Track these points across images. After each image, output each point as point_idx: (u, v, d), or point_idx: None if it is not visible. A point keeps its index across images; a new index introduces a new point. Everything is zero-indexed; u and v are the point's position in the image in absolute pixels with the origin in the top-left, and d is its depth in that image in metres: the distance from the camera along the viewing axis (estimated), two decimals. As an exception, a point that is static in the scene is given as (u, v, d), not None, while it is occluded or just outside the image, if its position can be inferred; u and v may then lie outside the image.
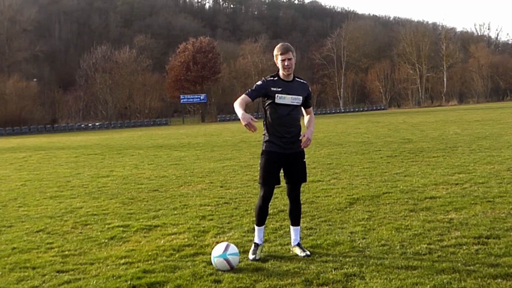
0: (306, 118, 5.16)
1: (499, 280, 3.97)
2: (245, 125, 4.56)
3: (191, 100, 68.35)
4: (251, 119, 4.56)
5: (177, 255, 5.09)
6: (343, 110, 76.30)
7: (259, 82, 4.91)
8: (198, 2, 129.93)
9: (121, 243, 5.71)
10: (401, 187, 8.11)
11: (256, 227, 5.03)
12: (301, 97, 4.91)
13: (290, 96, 4.84)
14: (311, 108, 5.17)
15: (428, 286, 3.91)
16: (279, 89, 4.83)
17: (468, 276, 4.07)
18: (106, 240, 5.83)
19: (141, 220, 6.80)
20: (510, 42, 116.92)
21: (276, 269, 4.51)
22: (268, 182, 4.91)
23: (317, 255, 4.82)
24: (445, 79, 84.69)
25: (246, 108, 4.75)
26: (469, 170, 9.49)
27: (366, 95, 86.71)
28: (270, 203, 5.13)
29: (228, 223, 6.39)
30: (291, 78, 4.93)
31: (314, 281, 4.15)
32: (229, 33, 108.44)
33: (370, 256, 4.70)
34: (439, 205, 6.62)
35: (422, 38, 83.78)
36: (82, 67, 70.81)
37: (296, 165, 4.96)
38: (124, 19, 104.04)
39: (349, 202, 7.20)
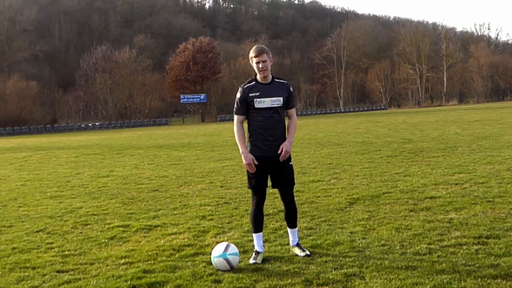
0: (288, 122, 5.03)
1: (499, 280, 3.97)
2: (246, 165, 4.72)
3: (191, 100, 68.35)
4: (253, 159, 4.70)
5: (177, 255, 5.09)
6: (343, 110, 76.29)
7: (238, 95, 4.86)
8: (198, 2, 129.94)
9: (121, 243, 5.72)
10: (401, 187, 8.11)
11: (253, 235, 4.97)
12: (281, 98, 4.83)
13: (269, 98, 4.78)
14: (294, 109, 5.04)
15: (428, 286, 3.92)
16: (257, 94, 4.78)
17: (468, 276, 4.07)
18: (106, 240, 5.83)
19: (141, 220, 6.80)
20: (510, 42, 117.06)
21: (276, 269, 4.51)
22: (257, 187, 4.87)
23: (317, 255, 4.82)
24: (445, 79, 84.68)
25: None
26: (469, 170, 9.49)
27: (366, 95, 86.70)
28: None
29: (228, 223, 6.39)
30: (269, 80, 4.86)
31: (314, 281, 4.15)
32: (229, 33, 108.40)
33: (370, 256, 4.70)
34: (439, 205, 6.62)
35: (422, 38, 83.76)
36: (82, 67, 70.80)
37: (282, 168, 4.88)
38: (124, 19, 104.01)
39: (349, 202, 7.20)
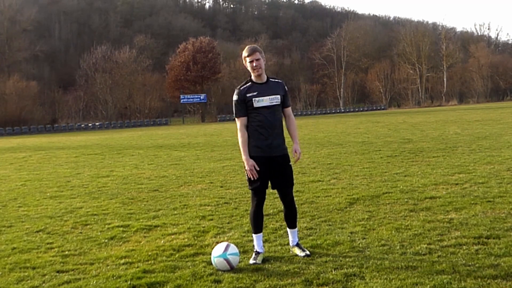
0: (286, 123, 5.04)
1: (499, 280, 3.97)
2: (248, 170, 4.76)
3: (191, 100, 68.36)
4: (254, 166, 4.73)
5: (177, 255, 5.09)
6: (343, 110, 76.29)
7: (234, 97, 4.88)
8: (198, 2, 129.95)
9: (121, 243, 5.72)
10: (401, 187, 8.11)
11: (253, 235, 4.96)
12: (279, 96, 4.85)
13: (267, 97, 4.80)
14: (290, 108, 5.05)
15: (428, 286, 3.92)
16: (255, 93, 4.80)
17: (468, 276, 4.07)
18: (106, 240, 5.83)
19: (141, 220, 6.80)
20: (510, 42, 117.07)
21: (276, 269, 4.51)
22: (256, 187, 4.87)
23: (317, 255, 4.82)
24: (445, 79, 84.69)
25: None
26: (469, 170, 9.49)
27: (366, 95, 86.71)
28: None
29: (228, 223, 6.39)
30: (264, 79, 4.88)
31: (314, 281, 4.15)
32: (229, 33, 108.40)
33: (370, 256, 4.70)
34: (439, 205, 6.62)
35: (422, 38, 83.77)
36: (82, 67, 70.81)
37: (282, 168, 4.89)
38: (124, 19, 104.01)
39: (349, 202, 7.20)
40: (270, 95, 4.81)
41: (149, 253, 5.18)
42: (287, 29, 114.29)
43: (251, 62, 4.79)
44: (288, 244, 5.19)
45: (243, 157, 4.82)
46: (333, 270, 4.36)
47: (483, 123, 23.58)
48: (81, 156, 18.08)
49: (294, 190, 5.17)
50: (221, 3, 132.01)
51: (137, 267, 4.77)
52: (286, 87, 5.02)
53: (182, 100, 67.12)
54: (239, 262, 4.68)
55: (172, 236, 5.85)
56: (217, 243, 5.07)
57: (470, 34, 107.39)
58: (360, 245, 5.08)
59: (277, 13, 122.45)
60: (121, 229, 6.34)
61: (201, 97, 67.33)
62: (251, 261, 4.73)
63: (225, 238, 5.59)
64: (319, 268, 4.44)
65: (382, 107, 77.47)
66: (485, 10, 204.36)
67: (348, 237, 5.36)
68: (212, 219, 6.63)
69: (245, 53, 4.83)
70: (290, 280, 4.22)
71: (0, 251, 5.60)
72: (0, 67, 69.61)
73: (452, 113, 39.39)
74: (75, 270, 4.80)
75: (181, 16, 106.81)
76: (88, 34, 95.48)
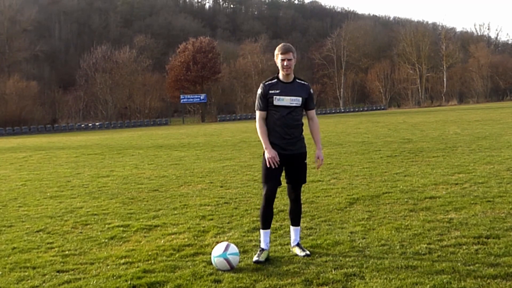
0: (310, 125, 5.08)
1: (499, 280, 3.97)
2: (269, 158, 4.79)
3: (191, 100, 68.35)
4: (276, 154, 4.78)
5: (177, 255, 5.09)
6: (343, 110, 76.29)
7: (259, 91, 4.94)
8: (198, 2, 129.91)
9: (121, 243, 5.72)
10: (401, 187, 8.12)
11: (261, 231, 4.97)
12: (300, 98, 4.88)
13: (289, 97, 4.83)
14: (314, 110, 5.09)
15: (428, 286, 3.92)
16: (277, 91, 4.84)
17: (468, 276, 4.08)
18: (106, 240, 5.84)
19: (141, 220, 6.80)
20: (510, 42, 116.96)
21: (276, 269, 4.51)
22: (270, 182, 4.90)
23: (317, 255, 4.82)
24: (445, 79, 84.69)
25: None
26: (469, 170, 9.49)
27: (366, 95, 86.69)
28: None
29: (228, 223, 6.39)
30: (290, 79, 4.92)
31: (314, 281, 4.16)
32: (229, 33, 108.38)
33: (370, 256, 4.70)
34: (439, 205, 6.62)
35: (422, 38, 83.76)
36: (82, 67, 70.79)
37: (297, 166, 4.95)
38: (124, 19, 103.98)
39: (349, 202, 7.20)
40: (292, 96, 4.85)
41: (149, 253, 5.18)
42: (287, 29, 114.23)
43: (282, 60, 4.83)
44: (288, 244, 5.20)
45: (264, 146, 4.86)
46: (333, 270, 4.37)
47: (483, 123, 23.58)
48: (81, 156, 18.09)
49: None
50: (221, 3, 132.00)
51: (137, 267, 4.77)
52: (311, 90, 5.05)
53: (182, 100, 67.12)
54: (239, 262, 4.68)
55: (172, 236, 5.86)
56: (217, 243, 5.07)
57: (470, 34, 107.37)
58: (360, 245, 5.08)
59: (277, 13, 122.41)
60: (121, 229, 6.34)
61: (201, 97, 67.32)
62: (255, 258, 4.73)
63: (225, 238, 5.59)
64: (319, 268, 4.44)
65: (382, 107, 77.47)
66: (485, 10, 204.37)
67: (348, 237, 5.37)
68: (212, 219, 6.63)
69: (278, 50, 4.87)
70: (290, 280, 4.22)
71: (0, 251, 5.60)
72: (0, 67, 69.62)
73: (452, 113, 39.39)
74: (75, 270, 4.81)
75: (181, 16, 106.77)
76: (88, 34, 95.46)
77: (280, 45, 4.95)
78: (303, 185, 5.15)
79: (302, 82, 5.02)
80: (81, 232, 6.32)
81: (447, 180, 8.50)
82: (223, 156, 15.29)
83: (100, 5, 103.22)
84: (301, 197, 5.23)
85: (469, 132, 18.67)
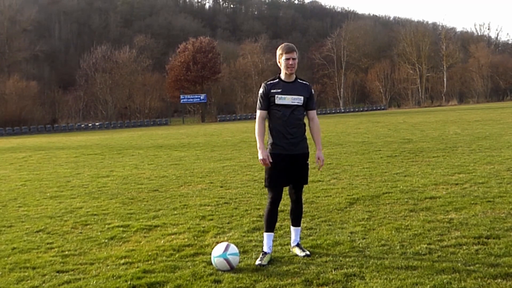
0: (310, 126, 5.06)
1: (499, 280, 3.97)
2: (261, 160, 4.83)
3: (191, 100, 68.34)
4: (268, 156, 4.80)
5: (177, 255, 5.09)
6: (343, 110, 76.28)
7: (261, 90, 4.96)
8: (198, 2, 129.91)
9: (121, 243, 5.72)
10: (401, 187, 8.11)
11: (264, 234, 4.94)
12: (302, 97, 4.88)
13: (290, 96, 4.84)
14: (315, 111, 5.08)
15: (428, 286, 3.92)
16: (279, 90, 4.86)
17: (468, 276, 4.07)
18: (106, 240, 5.83)
19: (141, 220, 6.80)
20: (510, 42, 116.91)
21: (276, 269, 4.51)
22: (274, 185, 4.90)
23: (317, 255, 4.82)
24: (445, 79, 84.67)
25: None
26: (469, 170, 9.49)
27: (366, 95, 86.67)
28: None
29: (228, 223, 6.39)
30: (292, 79, 4.93)
31: (314, 281, 4.16)
32: (229, 33, 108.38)
33: (370, 256, 4.70)
34: (439, 205, 6.62)
35: (422, 38, 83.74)
36: (82, 67, 70.79)
37: (299, 167, 4.94)
38: (124, 19, 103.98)
39: (349, 202, 7.20)
40: (293, 95, 4.86)
41: (149, 253, 5.18)
42: (287, 29, 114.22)
43: (287, 59, 4.83)
44: (288, 244, 5.20)
45: (258, 146, 4.86)
46: (333, 270, 4.37)
47: (483, 123, 23.58)
48: (81, 156, 18.08)
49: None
50: (221, 3, 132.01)
51: (137, 267, 4.77)
52: (313, 90, 5.06)
53: (182, 100, 67.11)
54: (239, 262, 4.68)
55: (172, 236, 5.85)
56: (217, 243, 5.07)
57: (470, 34, 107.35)
58: (360, 245, 5.08)
59: (277, 13, 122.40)
60: (121, 229, 6.34)
61: (201, 97, 67.31)
62: (257, 262, 4.69)
63: (225, 238, 5.59)
64: (319, 268, 4.44)
65: (382, 107, 77.45)
66: (485, 10, 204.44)
67: (348, 237, 5.37)
68: (212, 219, 6.63)
69: (282, 50, 4.88)
70: (290, 280, 4.22)
71: (0, 251, 5.60)
72: (0, 67, 69.59)
73: (452, 113, 39.39)
74: (75, 270, 4.80)
75: (181, 16, 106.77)
76: (88, 34, 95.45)
77: (282, 45, 4.95)
78: (305, 186, 5.15)
79: (304, 82, 5.03)
80: (81, 232, 6.32)
81: (447, 180, 8.49)
82: (223, 156, 15.28)
83: (100, 5, 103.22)
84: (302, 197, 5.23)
85: (469, 132, 18.67)
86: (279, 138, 4.87)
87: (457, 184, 8.11)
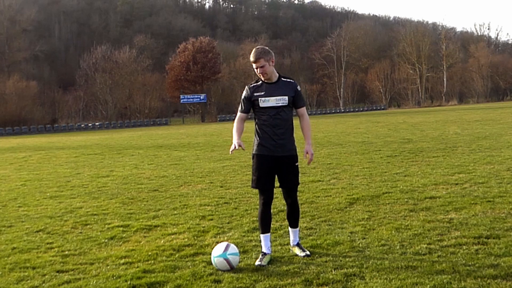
0: (300, 123, 5.02)
1: (499, 280, 3.97)
2: (233, 146, 4.76)
3: (191, 100, 68.35)
4: (240, 145, 4.72)
5: (177, 255, 5.09)
6: (343, 110, 76.28)
7: (244, 93, 4.93)
8: (198, 2, 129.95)
9: (121, 243, 5.72)
10: (401, 187, 8.11)
11: (261, 236, 4.92)
12: (286, 97, 4.80)
13: (274, 97, 4.78)
14: (303, 108, 4.98)
15: (428, 286, 3.92)
16: (262, 93, 4.81)
17: (468, 276, 4.07)
18: (106, 240, 5.83)
19: (141, 220, 6.80)
20: (510, 42, 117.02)
21: (276, 269, 4.50)
22: (261, 187, 4.86)
23: (317, 255, 4.82)
24: (445, 79, 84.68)
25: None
26: (469, 170, 9.48)
27: (366, 95, 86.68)
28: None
29: (228, 223, 6.39)
30: (274, 79, 4.87)
31: (314, 281, 4.15)
32: (229, 33, 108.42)
33: (370, 256, 4.70)
34: (439, 205, 6.62)
35: (422, 38, 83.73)
36: (82, 67, 70.81)
37: (287, 168, 4.87)
38: (124, 19, 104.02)
39: (349, 202, 7.20)
40: (277, 96, 4.79)
41: (149, 253, 5.18)
42: (287, 29, 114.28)
43: (256, 68, 4.82)
44: (288, 244, 5.20)
45: (233, 137, 4.86)
46: (333, 270, 4.36)
47: (483, 123, 23.57)
48: (81, 156, 18.08)
49: (294, 190, 5.16)
50: (221, 3, 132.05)
51: (137, 267, 4.77)
52: (298, 87, 4.95)
53: (182, 100, 67.12)
54: (239, 262, 4.67)
55: (172, 236, 5.85)
56: (217, 243, 5.06)
57: (470, 34, 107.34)
58: (360, 245, 5.08)
59: (277, 13, 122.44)
60: (121, 229, 6.34)
61: (201, 97, 67.32)
62: (257, 263, 4.68)
63: (225, 238, 5.59)
64: (319, 268, 4.44)
65: (382, 107, 77.45)
66: (485, 10, 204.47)
67: (348, 237, 5.36)
68: (212, 219, 6.63)
69: (251, 58, 4.83)
70: (290, 280, 4.22)
71: (0, 251, 5.60)
72: (0, 67, 69.64)
73: (452, 113, 39.39)
74: (75, 270, 4.80)
75: (181, 16, 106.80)
76: (88, 34, 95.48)
77: (252, 52, 4.86)
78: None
79: (288, 80, 4.93)
80: (81, 232, 6.32)
81: (447, 180, 8.49)
82: (223, 156, 15.28)
83: (100, 5, 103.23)
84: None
85: (469, 132, 18.67)
86: (265, 139, 4.82)
87: (457, 184, 8.11)
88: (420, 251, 4.76)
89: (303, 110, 4.98)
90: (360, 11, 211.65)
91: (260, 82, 4.89)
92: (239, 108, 4.96)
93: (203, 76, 68.92)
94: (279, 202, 7.22)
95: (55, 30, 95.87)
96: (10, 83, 62.98)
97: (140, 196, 8.82)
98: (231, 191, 8.74)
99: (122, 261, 4.99)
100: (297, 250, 4.91)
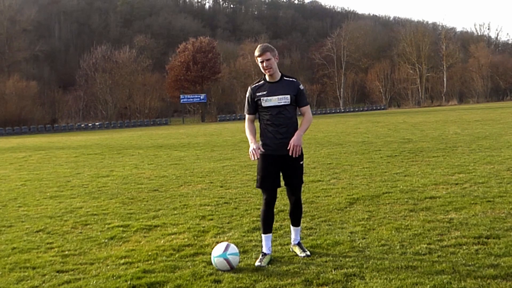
0: (302, 120, 5.00)
1: (499, 280, 3.96)
2: (250, 152, 4.73)
3: (191, 100, 68.38)
4: (258, 148, 4.71)
5: (177, 255, 5.09)
6: (343, 110, 76.31)
7: (247, 94, 4.95)
8: (198, 2, 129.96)
9: (121, 243, 5.71)
10: (401, 187, 8.11)
11: (262, 235, 4.90)
12: (288, 96, 4.78)
13: (276, 97, 4.77)
14: (307, 107, 4.94)
15: (428, 286, 3.91)
16: (264, 93, 4.80)
17: (468, 276, 4.07)
18: (106, 240, 5.83)
19: (141, 220, 6.80)
20: (510, 42, 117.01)
21: (276, 269, 4.50)
22: (265, 186, 4.87)
23: (317, 255, 4.82)
24: (445, 79, 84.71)
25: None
26: (469, 170, 9.48)
27: (366, 95, 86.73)
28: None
29: (228, 223, 6.39)
30: (277, 78, 4.85)
31: (314, 281, 4.15)
32: (229, 33, 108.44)
33: (370, 256, 4.70)
34: (439, 205, 6.62)
35: (422, 38, 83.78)
36: (82, 67, 70.83)
37: (291, 167, 4.87)
38: (124, 19, 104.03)
39: (349, 202, 7.20)
40: (279, 95, 4.78)
41: (149, 253, 5.18)
42: (287, 29, 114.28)
43: (261, 62, 4.79)
44: (288, 244, 5.20)
45: (249, 141, 4.80)
46: (333, 270, 4.36)
47: (483, 123, 23.57)
48: (81, 156, 18.08)
49: (297, 189, 5.15)
50: (221, 3, 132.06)
51: (137, 267, 4.77)
52: (301, 86, 4.92)
53: (182, 100, 67.15)
54: (239, 262, 4.67)
55: (172, 236, 5.85)
56: (217, 243, 5.06)
57: (470, 34, 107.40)
58: (360, 245, 5.08)
59: (277, 13, 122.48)
60: (121, 229, 6.34)
61: (201, 97, 67.34)
62: (257, 263, 4.66)
63: (225, 238, 5.59)
64: (319, 268, 4.44)
65: (382, 107, 77.49)
66: (485, 10, 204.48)
67: (348, 237, 5.36)
68: (212, 219, 6.63)
69: (256, 52, 4.82)
70: (290, 280, 4.22)
71: (0, 251, 5.60)
72: (0, 67, 69.64)
73: (452, 113, 39.39)
74: (75, 270, 4.80)
75: (181, 16, 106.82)
76: (88, 34, 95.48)
77: (257, 47, 4.85)
78: (303, 184, 5.13)
79: (290, 79, 4.92)
80: (81, 232, 6.31)
81: (447, 180, 8.49)
82: (223, 156, 15.28)
83: (100, 5, 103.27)
84: (302, 197, 5.22)
85: (469, 132, 18.67)
86: (269, 138, 4.82)
87: (457, 184, 8.11)
88: (420, 251, 4.76)
89: (306, 108, 4.95)
90: (360, 11, 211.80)
91: (262, 81, 4.89)
92: (245, 110, 4.97)
93: (203, 76, 68.95)
94: (279, 202, 7.21)
95: (55, 30, 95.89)
96: (10, 83, 63.01)
97: (140, 196, 8.82)
98: (231, 191, 8.74)
99: (122, 261, 4.99)
100: (297, 250, 4.91)
